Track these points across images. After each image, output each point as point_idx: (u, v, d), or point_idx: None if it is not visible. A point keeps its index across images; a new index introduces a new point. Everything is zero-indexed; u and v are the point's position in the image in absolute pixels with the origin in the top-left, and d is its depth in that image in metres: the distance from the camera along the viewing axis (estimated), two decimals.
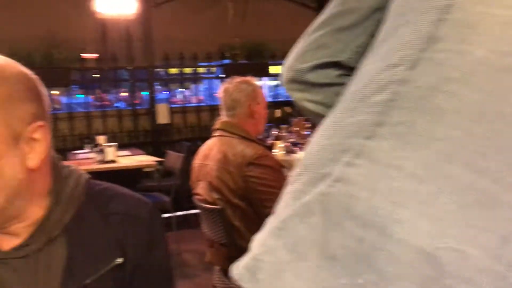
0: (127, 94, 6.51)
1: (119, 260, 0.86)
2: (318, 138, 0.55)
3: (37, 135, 0.81)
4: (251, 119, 2.32)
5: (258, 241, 0.53)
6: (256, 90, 2.36)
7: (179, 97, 7.43)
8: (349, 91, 0.56)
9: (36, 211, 0.85)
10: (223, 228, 2.15)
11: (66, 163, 0.94)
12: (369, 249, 0.44)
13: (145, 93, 6.59)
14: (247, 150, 2.17)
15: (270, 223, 0.54)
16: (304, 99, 0.70)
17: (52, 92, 6.41)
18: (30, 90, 0.82)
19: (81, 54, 5.56)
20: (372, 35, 0.61)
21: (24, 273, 0.83)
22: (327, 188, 0.49)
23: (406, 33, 0.50)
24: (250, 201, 2.15)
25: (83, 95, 6.25)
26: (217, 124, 2.37)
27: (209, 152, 2.32)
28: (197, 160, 2.40)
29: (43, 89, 0.85)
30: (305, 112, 0.72)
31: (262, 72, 6.27)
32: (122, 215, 0.90)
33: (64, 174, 0.90)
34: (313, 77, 0.67)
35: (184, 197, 5.07)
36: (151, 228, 0.93)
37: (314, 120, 0.70)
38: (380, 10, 0.62)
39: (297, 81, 0.69)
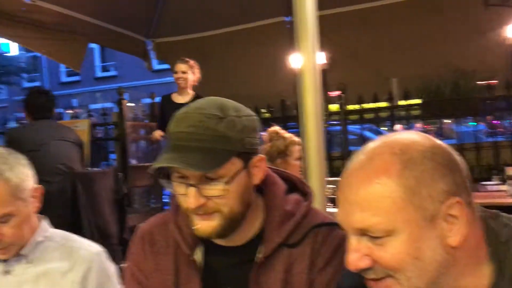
0: None
1: None
2: None
3: (454, 212, 0.75)
4: None
5: None
6: None
7: None
8: None
9: (474, 281, 0.78)
10: None
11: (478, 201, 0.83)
12: None
13: None
14: None
15: None
16: None
17: (444, 121, 6.54)
18: (440, 166, 0.76)
19: (487, 82, 5.45)
20: None
21: None
22: None
23: None
24: None
25: (475, 123, 6.07)
26: None
27: None
28: None
29: (457, 159, 0.79)
30: None
31: None
32: None
33: (504, 238, 0.79)
34: None
35: None
36: None
37: None
38: None
39: None
